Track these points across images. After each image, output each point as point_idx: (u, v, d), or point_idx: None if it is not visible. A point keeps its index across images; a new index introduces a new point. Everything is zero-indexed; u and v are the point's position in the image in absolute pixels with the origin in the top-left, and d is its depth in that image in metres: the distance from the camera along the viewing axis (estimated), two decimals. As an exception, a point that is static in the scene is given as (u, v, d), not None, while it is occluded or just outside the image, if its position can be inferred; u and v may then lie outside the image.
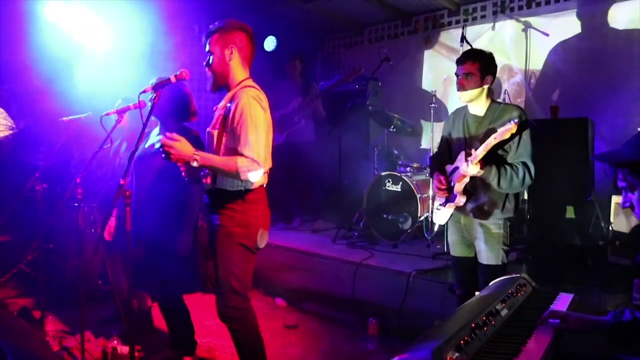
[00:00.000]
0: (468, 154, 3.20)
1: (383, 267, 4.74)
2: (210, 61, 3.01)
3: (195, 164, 2.77)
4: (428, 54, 7.44)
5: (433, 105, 5.72)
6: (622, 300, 3.78)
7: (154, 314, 4.29)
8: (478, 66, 3.20)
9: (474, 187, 3.26)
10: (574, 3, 6.02)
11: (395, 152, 6.45)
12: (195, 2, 6.54)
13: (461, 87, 3.22)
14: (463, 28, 5.91)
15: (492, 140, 2.98)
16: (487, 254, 3.28)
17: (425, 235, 5.31)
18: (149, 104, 3.10)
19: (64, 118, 4.33)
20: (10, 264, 4.86)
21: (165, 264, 3.44)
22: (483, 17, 6.84)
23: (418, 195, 5.45)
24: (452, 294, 3.80)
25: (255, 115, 2.86)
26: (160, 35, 5.62)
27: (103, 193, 4.50)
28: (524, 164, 3.15)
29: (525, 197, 4.93)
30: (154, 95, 2.99)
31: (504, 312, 2.13)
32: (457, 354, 1.61)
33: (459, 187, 3.27)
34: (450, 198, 3.34)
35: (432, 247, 5.19)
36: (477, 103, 3.28)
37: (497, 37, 6.57)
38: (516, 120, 2.89)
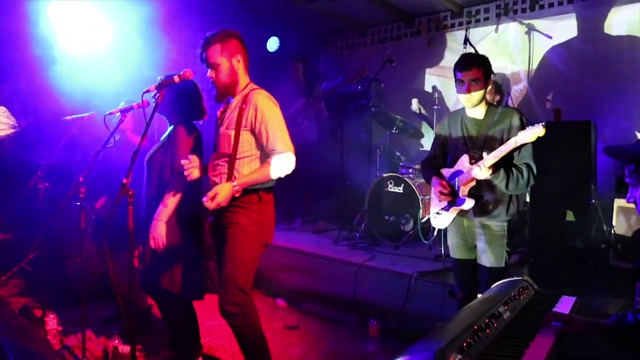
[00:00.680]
0: (472, 157, 3.21)
1: (384, 269, 4.74)
2: (219, 73, 3.05)
3: (237, 194, 2.96)
4: (431, 56, 7.44)
5: (435, 107, 5.72)
6: (624, 304, 3.78)
7: (155, 312, 4.28)
8: (482, 72, 3.22)
9: (478, 189, 3.26)
10: (577, 6, 6.03)
11: (398, 153, 6.45)
12: (198, 3, 6.55)
13: (468, 92, 3.21)
14: (466, 30, 5.91)
15: (512, 144, 2.98)
16: (490, 256, 3.28)
17: (424, 241, 5.26)
18: (153, 103, 3.10)
19: (67, 117, 4.34)
20: (11, 263, 4.85)
21: (173, 262, 3.44)
22: (486, 19, 6.84)
23: (420, 197, 5.45)
24: (452, 298, 3.78)
25: (275, 112, 3.06)
26: (162, 36, 5.62)
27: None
28: (527, 165, 3.17)
29: (527, 199, 4.92)
30: (158, 94, 3.00)
31: (507, 315, 2.13)
32: (459, 356, 1.61)
33: (464, 190, 3.27)
34: (455, 202, 3.31)
35: (433, 249, 5.18)
36: (477, 106, 3.30)
37: (501, 39, 6.57)
38: (544, 123, 2.88)
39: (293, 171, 3.08)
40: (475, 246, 3.41)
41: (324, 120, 6.63)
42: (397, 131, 6.16)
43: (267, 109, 3.01)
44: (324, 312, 4.82)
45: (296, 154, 6.12)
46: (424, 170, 3.68)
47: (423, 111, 6.48)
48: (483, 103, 3.30)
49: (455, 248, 3.50)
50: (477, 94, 3.22)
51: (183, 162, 3.07)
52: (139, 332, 4.03)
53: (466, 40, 5.61)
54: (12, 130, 5.53)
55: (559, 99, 6.06)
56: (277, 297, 5.24)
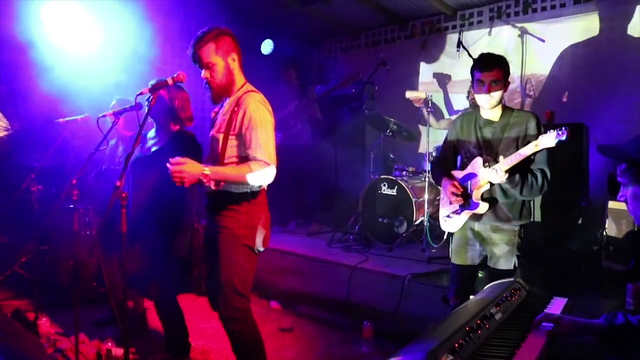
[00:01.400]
0: (486, 160, 3.19)
1: (378, 271, 4.75)
2: (214, 73, 2.96)
3: (206, 180, 2.80)
4: (424, 59, 7.46)
5: (429, 110, 5.74)
6: (616, 305, 3.79)
7: (149, 316, 4.28)
8: (503, 73, 3.19)
9: (491, 193, 3.24)
10: (570, 10, 6.06)
11: (391, 156, 6.47)
12: (192, 6, 6.54)
13: (488, 92, 3.16)
14: (460, 33, 5.95)
15: (532, 148, 2.95)
16: (502, 260, 3.28)
17: (430, 241, 5.27)
18: (146, 105, 3.09)
19: (60, 119, 4.33)
20: (4, 266, 4.84)
21: (161, 264, 3.44)
22: (480, 22, 6.87)
23: (414, 200, 5.47)
24: (445, 304, 3.73)
25: (265, 119, 2.93)
26: (155, 38, 5.62)
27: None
28: (542, 170, 3.15)
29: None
30: (151, 97, 3.00)
31: (498, 316, 2.14)
32: (451, 357, 1.62)
33: (477, 194, 3.23)
34: (468, 205, 3.28)
35: (427, 251, 5.19)
36: (494, 108, 3.26)
37: (494, 42, 6.60)
38: (567, 128, 2.85)
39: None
40: (483, 250, 3.39)
41: (317, 122, 6.64)
42: (390, 134, 6.18)
43: (255, 115, 2.89)
44: (317, 314, 4.83)
45: (290, 157, 6.13)
46: (433, 172, 3.64)
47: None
48: (500, 105, 3.27)
49: (458, 253, 3.45)
50: (497, 95, 3.19)
51: (172, 160, 2.95)
52: (134, 334, 4.03)
53: (459, 43, 5.64)
54: (5, 133, 5.51)
55: (551, 101, 6.08)
56: (271, 299, 5.24)
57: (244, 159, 2.94)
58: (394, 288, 4.44)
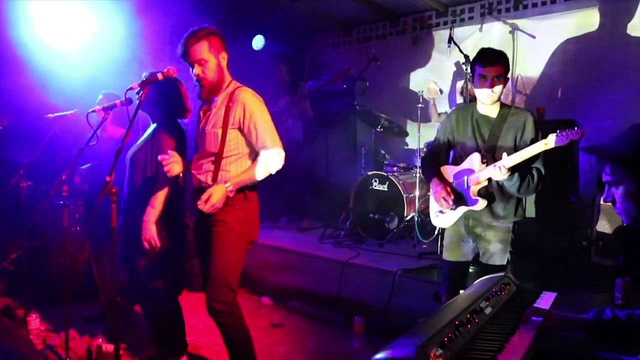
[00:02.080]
0: (484, 157, 3.18)
1: (369, 266, 4.76)
2: (206, 70, 3.01)
3: (232, 194, 2.98)
4: (416, 55, 7.47)
5: (420, 105, 5.75)
6: (605, 300, 3.83)
7: (138, 310, 4.27)
8: (504, 68, 3.19)
9: (487, 189, 3.23)
10: (560, 6, 6.08)
11: (382, 152, 6.48)
12: (182, 1, 6.51)
13: (491, 87, 3.15)
14: (451, 29, 5.94)
15: (541, 146, 2.91)
16: (496, 256, 3.29)
17: (420, 236, 5.29)
18: (136, 100, 3.08)
19: (50, 115, 4.30)
20: (-7, 262, 4.81)
21: (168, 262, 3.44)
22: (471, 18, 6.88)
23: (405, 195, 5.48)
24: (437, 302, 3.72)
25: (263, 110, 3.07)
26: (145, 33, 5.59)
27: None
28: (538, 169, 3.16)
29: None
30: (141, 92, 2.99)
31: (488, 310, 2.15)
32: (440, 351, 1.62)
33: (475, 190, 3.22)
34: (465, 202, 3.26)
35: (418, 247, 5.21)
36: (493, 104, 3.25)
37: (485, 38, 6.61)
38: (581, 128, 2.81)
39: (278, 170, 3.09)
40: (476, 247, 3.39)
41: (308, 118, 6.64)
42: (382, 130, 6.18)
43: (255, 107, 3.02)
44: (308, 310, 4.84)
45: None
46: (424, 167, 3.59)
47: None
48: (498, 101, 3.27)
49: (450, 249, 3.44)
50: (499, 90, 3.18)
51: (161, 157, 3.03)
52: (123, 330, 4.02)
53: (450, 39, 5.64)
54: (-6, 128, 5.48)
55: (542, 98, 6.10)
56: (262, 295, 5.24)
57: (242, 151, 3.07)
58: (385, 283, 4.45)
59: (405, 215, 5.49)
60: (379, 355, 1.59)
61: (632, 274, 3.82)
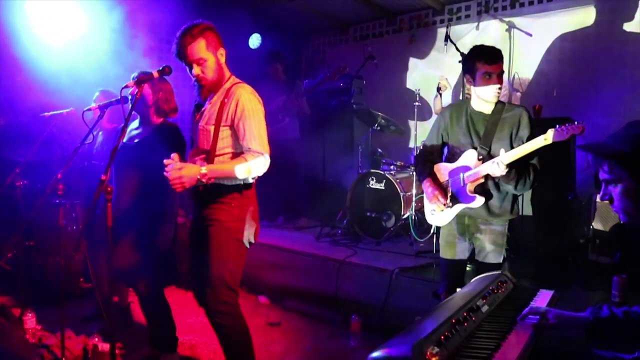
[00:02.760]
0: (480, 154, 3.17)
1: (366, 265, 4.75)
2: (205, 69, 2.94)
3: (205, 179, 2.82)
4: (412, 53, 7.46)
5: (417, 104, 5.75)
6: (602, 298, 3.83)
7: (134, 310, 4.26)
8: (503, 65, 3.22)
9: (483, 187, 3.22)
10: (557, 4, 6.09)
11: (379, 150, 6.48)
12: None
13: (498, 84, 3.16)
14: (447, 27, 5.93)
15: (540, 142, 2.90)
16: (492, 254, 3.28)
17: (415, 235, 5.29)
18: (131, 99, 3.07)
19: (45, 113, 4.29)
20: (-11, 261, 4.80)
21: (146, 257, 3.43)
22: (467, 16, 6.88)
23: (401, 194, 5.47)
24: (436, 299, 3.71)
25: (257, 109, 2.96)
26: (141, 29, 5.56)
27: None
28: (534, 165, 3.15)
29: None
30: (136, 90, 2.98)
31: (485, 308, 2.14)
32: (437, 349, 1.61)
33: (472, 187, 3.21)
34: (461, 199, 3.25)
35: (415, 245, 5.20)
36: (489, 101, 3.24)
37: (481, 36, 6.61)
38: (582, 122, 2.81)
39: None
40: (472, 244, 3.38)
41: (305, 117, 6.63)
42: (378, 128, 6.18)
43: (248, 106, 2.92)
44: (306, 309, 4.83)
45: (278, 151, 6.10)
46: (417, 165, 3.56)
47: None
48: None
49: (448, 247, 3.43)
50: (501, 87, 3.20)
51: (166, 161, 2.99)
52: (119, 329, 4.01)
53: (447, 38, 5.63)
54: (-10, 127, 5.46)
55: (538, 95, 6.10)
56: (259, 294, 5.23)
57: (236, 150, 2.97)
58: (382, 282, 4.44)
59: (402, 213, 5.49)
60: (375, 354, 1.58)
61: (629, 271, 3.82)
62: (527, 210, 4.70)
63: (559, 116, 4.78)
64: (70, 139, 4.91)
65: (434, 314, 1.96)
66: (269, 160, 2.96)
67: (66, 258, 4.50)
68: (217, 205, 2.97)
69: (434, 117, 6.47)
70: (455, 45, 5.48)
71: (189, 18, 3.01)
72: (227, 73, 3.07)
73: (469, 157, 3.22)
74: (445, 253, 3.45)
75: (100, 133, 4.53)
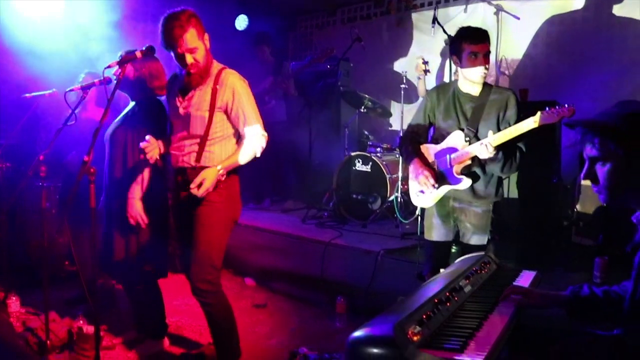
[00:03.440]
0: (467, 135, 3.17)
1: (352, 247, 4.77)
2: (198, 57, 2.95)
3: (223, 177, 3.00)
4: (400, 36, 7.42)
5: (404, 86, 5.73)
6: (584, 279, 3.87)
7: (120, 291, 4.25)
8: (489, 46, 3.20)
9: (470, 169, 3.22)
10: (545, -13, 6.06)
11: (366, 132, 6.47)
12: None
13: (484, 64, 3.15)
14: (435, 10, 5.90)
15: (530, 124, 2.91)
16: (477, 236, 3.30)
17: (399, 217, 5.30)
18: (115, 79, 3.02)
19: (27, 94, 4.23)
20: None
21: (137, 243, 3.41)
22: (455, -1, 6.85)
23: (388, 176, 5.48)
24: (421, 281, 3.70)
25: (248, 93, 3.06)
26: (126, 9, 5.47)
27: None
28: (520, 148, 3.16)
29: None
30: (119, 70, 2.93)
31: (468, 289, 2.16)
32: (418, 328, 1.63)
33: (458, 168, 3.20)
34: (447, 181, 3.25)
35: (400, 227, 5.22)
36: (475, 82, 3.23)
37: (469, 19, 6.58)
38: (572, 105, 2.81)
39: (262, 150, 3.08)
40: (456, 226, 3.39)
41: (292, 99, 6.61)
42: (365, 110, 6.17)
43: (242, 90, 3.03)
44: (292, 291, 4.85)
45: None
46: (403, 147, 3.50)
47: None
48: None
49: (433, 229, 3.43)
50: (488, 68, 3.19)
51: (143, 145, 3.02)
52: (104, 311, 4.01)
53: (435, 20, 5.60)
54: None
55: (525, 79, 6.10)
56: (246, 276, 5.24)
57: (225, 133, 3.06)
58: (368, 263, 4.46)
59: (388, 195, 5.50)
60: (357, 333, 1.59)
61: (611, 253, 3.86)
62: (513, 192, 4.73)
63: (545, 99, 4.79)
64: (54, 120, 4.84)
65: (417, 294, 1.97)
66: (266, 134, 3.09)
67: (49, 241, 4.47)
68: None
69: (421, 100, 6.48)
70: (442, 28, 5.46)
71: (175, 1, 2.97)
72: (211, 58, 3.09)
73: (456, 138, 3.22)
74: (429, 235, 3.46)
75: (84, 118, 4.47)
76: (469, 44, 3.15)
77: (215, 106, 3.00)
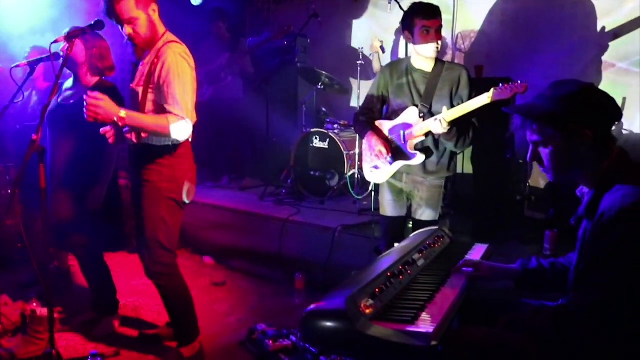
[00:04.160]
0: (421, 111, 3.19)
1: (309, 223, 4.79)
2: (138, 28, 2.82)
3: (121, 123, 2.71)
4: (357, 12, 7.40)
5: (360, 62, 5.73)
6: (535, 251, 3.98)
7: (75, 273, 4.18)
8: (441, 21, 3.20)
9: (423, 144, 3.25)
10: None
11: (323, 109, 6.46)
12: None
13: (437, 40, 3.16)
14: (392, -15, 5.89)
15: (484, 100, 2.93)
16: (428, 211, 3.33)
17: (353, 193, 5.35)
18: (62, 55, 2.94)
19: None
20: None
21: (77, 217, 3.37)
22: (412, -25, 6.83)
23: (345, 153, 5.50)
24: (378, 255, 3.79)
25: (183, 72, 2.84)
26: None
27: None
28: (473, 123, 3.19)
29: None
30: (67, 45, 2.84)
31: (421, 262, 2.20)
32: (371, 301, 1.65)
33: (412, 144, 3.23)
34: (403, 156, 3.26)
35: (358, 203, 5.26)
36: (428, 58, 3.24)
37: (425, -5, 6.60)
38: (525, 82, 2.84)
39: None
40: (409, 201, 3.43)
41: (249, 75, 6.53)
42: (322, 87, 6.15)
43: (173, 68, 2.80)
44: (250, 268, 4.86)
45: (221, 110, 6.00)
46: (357, 123, 3.52)
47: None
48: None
49: (388, 205, 3.47)
50: (441, 43, 3.20)
51: (103, 130, 2.87)
52: (59, 293, 3.94)
53: (391, -4, 5.59)
54: None
55: (481, 55, 6.17)
56: (204, 254, 5.23)
57: (161, 109, 2.87)
58: (325, 240, 4.49)
59: (345, 172, 5.52)
60: (311, 308, 1.61)
61: (561, 226, 3.98)
62: (467, 168, 4.81)
63: (500, 76, 4.85)
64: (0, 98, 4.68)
65: (370, 268, 2.00)
66: (191, 126, 2.89)
67: None
68: (148, 166, 2.93)
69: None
70: (399, 3, 5.46)
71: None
72: (160, 29, 2.94)
73: (410, 114, 3.25)
74: (384, 210, 3.50)
75: (34, 92, 4.35)
76: (420, 19, 3.16)
77: (150, 81, 2.85)
